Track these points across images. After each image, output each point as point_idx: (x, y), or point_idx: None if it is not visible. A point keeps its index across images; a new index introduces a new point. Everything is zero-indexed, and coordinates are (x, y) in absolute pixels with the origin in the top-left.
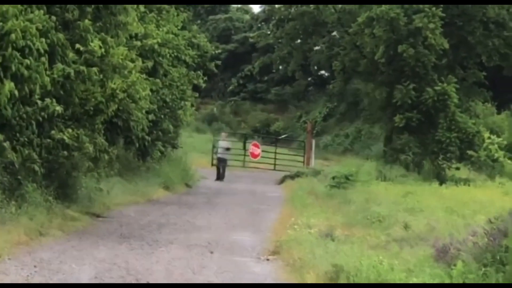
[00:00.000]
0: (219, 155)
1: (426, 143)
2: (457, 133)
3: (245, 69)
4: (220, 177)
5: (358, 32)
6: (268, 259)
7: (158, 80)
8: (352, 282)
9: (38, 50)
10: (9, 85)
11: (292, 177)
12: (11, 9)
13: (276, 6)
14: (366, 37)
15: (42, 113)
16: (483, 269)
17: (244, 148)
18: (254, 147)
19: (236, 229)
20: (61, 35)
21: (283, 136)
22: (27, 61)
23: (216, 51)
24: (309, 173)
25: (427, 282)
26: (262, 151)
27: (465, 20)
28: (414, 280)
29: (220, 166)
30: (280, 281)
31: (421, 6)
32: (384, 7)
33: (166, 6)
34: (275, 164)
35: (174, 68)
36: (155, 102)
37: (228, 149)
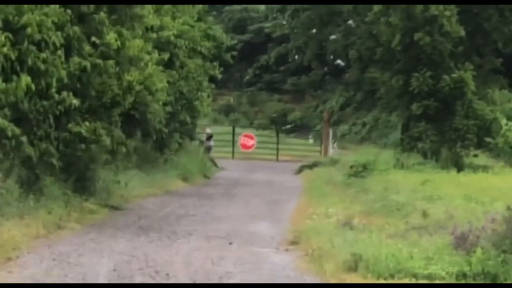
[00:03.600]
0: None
1: (444, 131)
2: (474, 120)
3: (261, 60)
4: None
5: (374, 20)
6: (287, 249)
7: (174, 72)
8: (371, 270)
9: (54, 43)
10: (25, 79)
11: (309, 166)
12: None
13: None
14: (382, 25)
15: (59, 107)
16: (502, 255)
17: (233, 140)
18: (246, 138)
19: (255, 219)
20: (77, 28)
21: (287, 127)
22: (43, 55)
23: (232, 42)
24: (327, 162)
25: (446, 269)
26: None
27: (480, 7)
28: (433, 268)
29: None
30: (299, 271)
31: None
32: None
33: None
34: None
35: (190, 60)
36: (171, 93)
37: (209, 137)
